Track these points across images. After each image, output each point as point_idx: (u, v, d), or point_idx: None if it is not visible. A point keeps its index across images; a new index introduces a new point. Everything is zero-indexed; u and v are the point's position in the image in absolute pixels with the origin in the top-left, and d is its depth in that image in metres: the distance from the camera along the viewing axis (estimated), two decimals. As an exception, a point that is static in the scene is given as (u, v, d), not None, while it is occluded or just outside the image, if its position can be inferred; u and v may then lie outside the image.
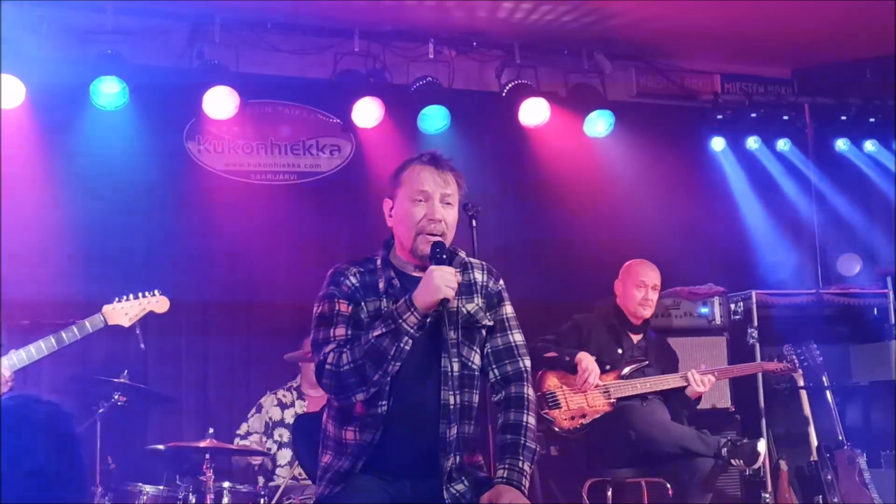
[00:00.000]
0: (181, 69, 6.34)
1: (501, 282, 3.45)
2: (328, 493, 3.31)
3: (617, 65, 7.16)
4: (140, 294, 4.42)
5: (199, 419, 6.26)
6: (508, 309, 3.43)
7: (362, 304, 3.27)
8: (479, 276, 3.40)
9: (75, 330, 3.95)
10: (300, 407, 5.94)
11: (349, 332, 3.23)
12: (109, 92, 6.02)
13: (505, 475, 3.22)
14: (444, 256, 3.20)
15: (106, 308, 4.18)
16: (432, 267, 3.15)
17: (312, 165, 6.81)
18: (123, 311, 4.27)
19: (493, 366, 3.38)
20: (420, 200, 3.25)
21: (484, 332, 3.37)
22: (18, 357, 3.71)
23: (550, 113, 6.78)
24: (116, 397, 5.23)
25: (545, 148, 6.98)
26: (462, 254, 3.43)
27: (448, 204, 3.27)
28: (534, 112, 6.78)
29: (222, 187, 6.56)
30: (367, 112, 6.54)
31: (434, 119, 6.70)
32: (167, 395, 5.90)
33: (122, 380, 5.25)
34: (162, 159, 6.38)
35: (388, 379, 3.18)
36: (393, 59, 6.74)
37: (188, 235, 6.39)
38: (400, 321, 3.12)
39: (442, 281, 3.10)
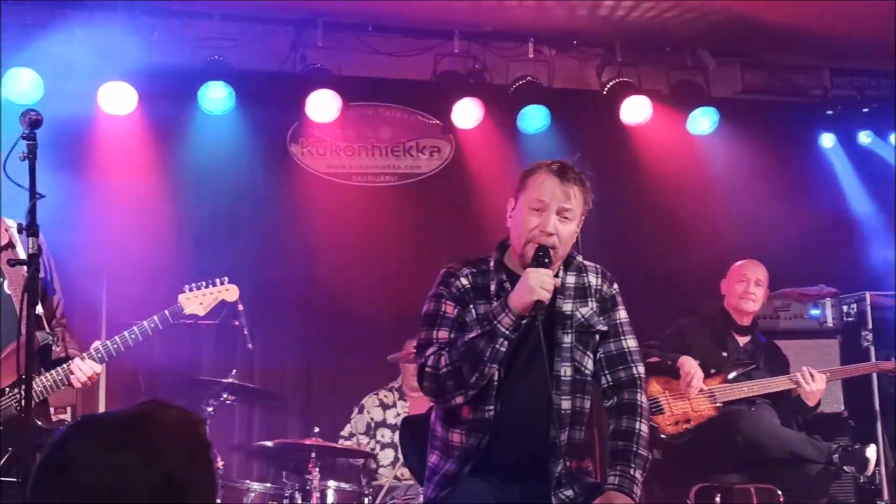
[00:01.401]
0: (285, 73, 6.45)
1: (616, 286, 3.40)
2: (436, 497, 3.31)
3: (721, 60, 7.02)
4: (210, 282, 4.27)
5: (303, 418, 6.35)
6: (622, 314, 3.38)
7: (471, 306, 3.26)
8: (593, 279, 3.37)
9: (157, 320, 3.88)
10: (402, 407, 5.97)
11: (451, 336, 3.23)
12: (216, 97, 6.15)
13: (616, 482, 3.18)
14: (546, 260, 3.16)
15: (181, 297, 4.07)
16: (529, 269, 3.13)
17: (412, 167, 6.85)
18: (198, 301, 4.15)
19: (606, 371, 3.34)
20: (537, 210, 3.21)
21: (597, 336, 3.33)
22: (106, 350, 3.70)
23: (652, 111, 6.69)
24: (225, 396, 5.32)
25: (647, 146, 6.88)
26: (578, 257, 3.40)
27: (566, 218, 3.21)
28: (635, 110, 6.69)
29: (324, 189, 6.65)
30: (467, 113, 6.55)
31: (534, 119, 6.68)
32: (273, 394, 5.99)
33: (230, 379, 5.35)
34: (266, 162, 6.51)
35: (493, 382, 3.17)
36: (492, 59, 6.73)
37: (291, 237, 6.49)
38: (495, 322, 3.10)
39: (537, 283, 3.07)
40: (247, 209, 6.44)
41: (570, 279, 3.33)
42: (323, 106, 6.31)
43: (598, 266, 3.42)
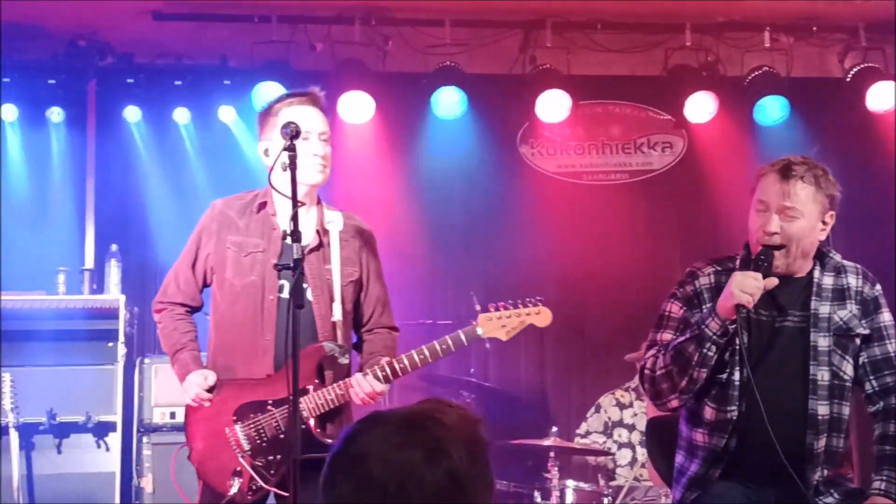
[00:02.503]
0: (514, 75, 6.51)
1: (878, 287, 3.25)
2: (683, 499, 3.26)
3: (980, 38, 6.51)
4: (521, 302, 3.58)
5: (539, 417, 6.38)
6: (886, 316, 3.23)
7: (703, 307, 3.21)
8: (853, 280, 3.23)
9: (449, 342, 3.44)
10: (639, 408, 5.89)
11: (674, 337, 3.20)
12: (449, 102, 6.28)
13: (883, 486, 3.07)
14: (764, 264, 3.07)
15: (482, 318, 3.51)
16: (736, 272, 3.07)
17: (644, 164, 6.76)
18: (500, 323, 3.53)
19: (871, 377, 3.20)
20: (760, 211, 3.15)
21: (858, 340, 3.19)
22: (392, 368, 3.39)
23: (902, 96, 6.29)
24: (464, 394, 5.43)
25: (898, 135, 6.48)
26: (836, 256, 3.26)
27: (790, 217, 3.10)
28: (883, 96, 6.31)
29: (555, 189, 6.67)
30: (701, 106, 6.40)
31: (771, 110, 6.45)
32: (510, 395, 6.05)
33: (470, 378, 5.45)
34: (498, 164, 6.60)
35: (734, 382, 3.10)
36: (726, 50, 6.53)
37: (524, 237, 6.54)
38: (703, 326, 3.06)
39: (738, 286, 2.99)
40: (480, 211, 6.55)
41: (828, 280, 3.21)
42: (553, 106, 6.32)
43: (858, 266, 3.27)
